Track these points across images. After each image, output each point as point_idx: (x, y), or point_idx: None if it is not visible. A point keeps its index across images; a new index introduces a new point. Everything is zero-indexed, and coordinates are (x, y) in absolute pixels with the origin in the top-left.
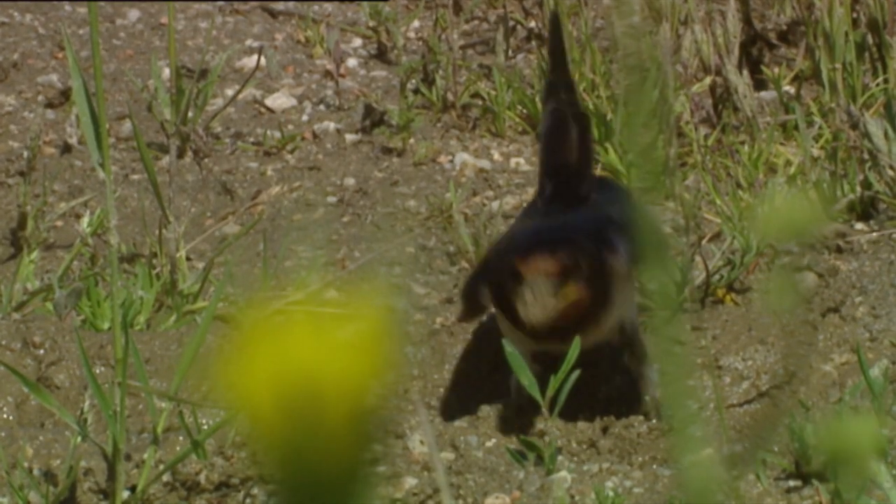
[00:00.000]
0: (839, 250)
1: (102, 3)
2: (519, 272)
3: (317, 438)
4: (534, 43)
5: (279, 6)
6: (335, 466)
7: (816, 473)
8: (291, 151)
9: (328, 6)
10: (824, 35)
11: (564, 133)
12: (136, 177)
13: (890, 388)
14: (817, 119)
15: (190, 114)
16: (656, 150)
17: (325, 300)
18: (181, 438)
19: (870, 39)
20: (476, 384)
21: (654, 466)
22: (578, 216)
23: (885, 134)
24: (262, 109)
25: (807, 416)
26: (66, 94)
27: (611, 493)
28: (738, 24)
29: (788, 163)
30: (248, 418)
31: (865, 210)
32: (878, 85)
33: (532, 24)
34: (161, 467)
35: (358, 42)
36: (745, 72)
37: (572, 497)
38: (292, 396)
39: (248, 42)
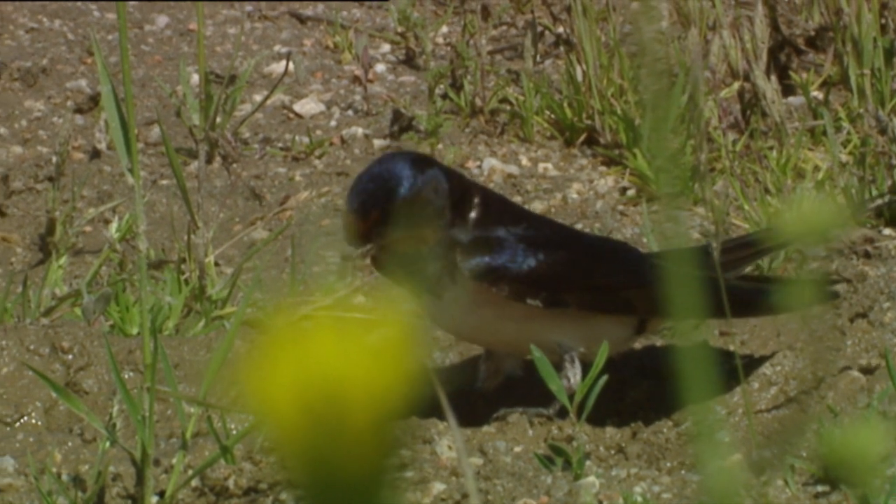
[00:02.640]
0: (867, 255)
1: (131, 9)
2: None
3: (342, 444)
4: (562, 48)
5: (308, 12)
6: (361, 472)
7: (845, 478)
8: (320, 157)
9: (357, 12)
10: (852, 40)
11: None
12: (164, 182)
13: None
14: (845, 124)
15: (218, 119)
16: (685, 155)
17: (353, 306)
18: (210, 443)
19: None
20: (504, 389)
21: (683, 472)
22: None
23: None
24: (291, 115)
25: (835, 422)
26: (95, 100)
27: (639, 499)
28: (767, 29)
29: (817, 168)
30: (274, 424)
31: (894, 215)
32: None
33: (560, 29)
34: (190, 472)
35: (386, 47)
36: (774, 77)
37: (600, 502)
38: (317, 402)
39: (277, 48)
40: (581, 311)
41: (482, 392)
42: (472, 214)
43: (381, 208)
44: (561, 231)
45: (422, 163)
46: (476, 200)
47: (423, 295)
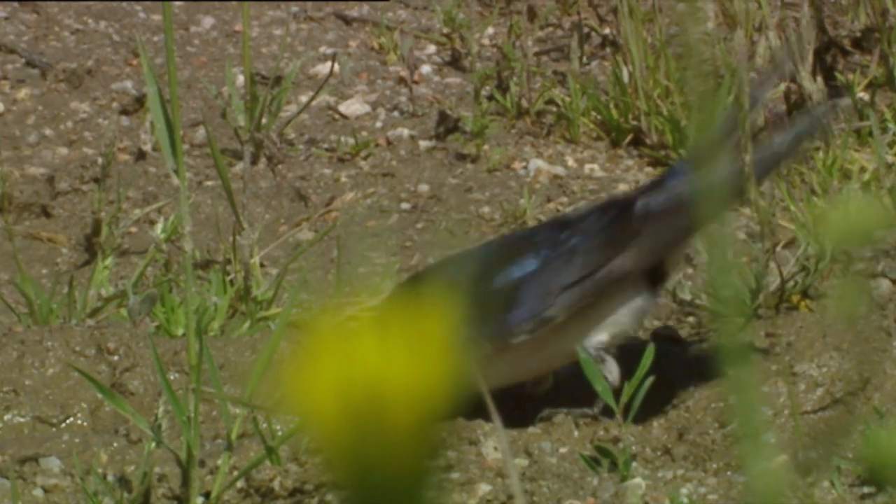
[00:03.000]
0: None
1: (177, 11)
2: None
3: (386, 445)
4: (608, 49)
5: (353, 13)
6: (405, 473)
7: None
8: (365, 158)
9: (402, 13)
10: None
11: None
12: (210, 183)
13: None
14: (891, 125)
15: (264, 120)
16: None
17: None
18: (255, 445)
19: None
20: (550, 390)
21: (729, 473)
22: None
23: None
24: (336, 116)
25: (881, 423)
26: (140, 101)
27: (685, 500)
28: (812, 30)
29: (863, 169)
30: (317, 425)
31: None
32: None
33: (606, 30)
34: (235, 473)
35: (432, 48)
36: (819, 78)
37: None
38: (360, 403)
39: (322, 49)
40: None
41: (531, 397)
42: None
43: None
44: (552, 240)
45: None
46: None
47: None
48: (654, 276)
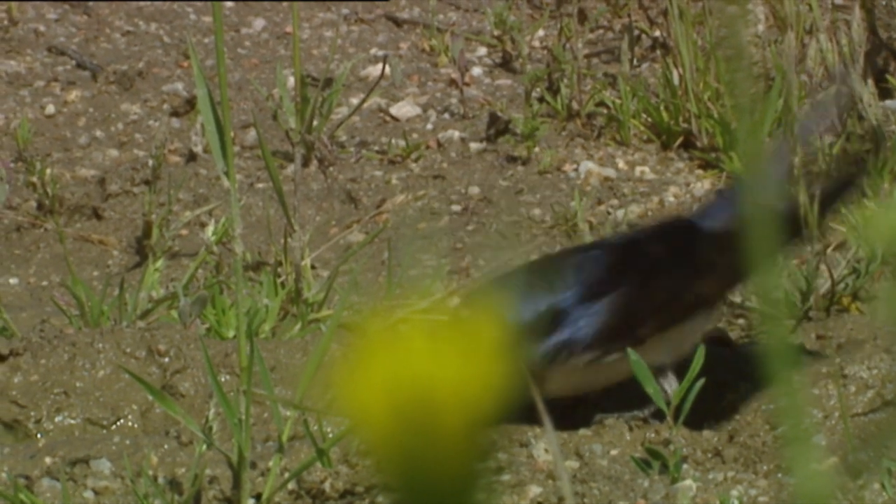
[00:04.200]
0: None
1: (227, 12)
2: None
3: (435, 447)
4: (658, 52)
5: (404, 15)
6: (455, 475)
7: None
8: (416, 160)
9: (453, 15)
10: None
11: None
12: (260, 185)
13: None
14: None
15: (315, 122)
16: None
17: (449, 309)
18: (306, 447)
19: None
20: (601, 392)
21: (780, 475)
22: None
23: None
24: (387, 118)
25: None
26: (191, 103)
27: (736, 502)
28: (864, 33)
29: None
30: (367, 427)
31: None
32: None
33: (657, 33)
34: (286, 475)
35: (483, 51)
36: (870, 81)
37: None
38: (410, 405)
39: (373, 51)
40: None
41: (583, 398)
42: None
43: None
44: (614, 264)
45: None
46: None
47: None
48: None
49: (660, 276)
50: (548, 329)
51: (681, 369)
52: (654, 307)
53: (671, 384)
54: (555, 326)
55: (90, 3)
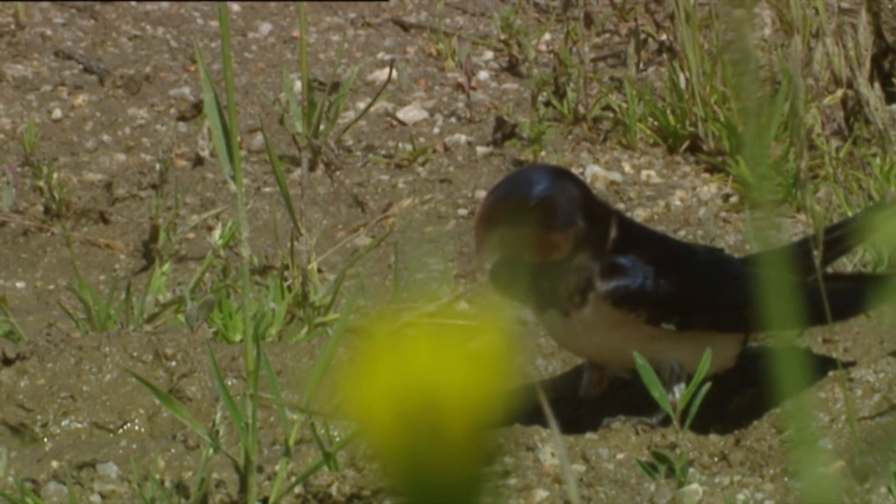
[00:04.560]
0: None
1: (234, 17)
2: None
3: (440, 451)
4: (665, 55)
5: (411, 19)
6: (461, 479)
7: None
8: (423, 164)
9: (459, 19)
10: None
11: None
12: (267, 189)
13: None
14: None
15: (321, 126)
16: (787, 162)
17: (456, 312)
18: (313, 450)
19: None
20: (607, 396)
21: (786, 479)
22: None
23: None
24: (394, 122)
25: None
26: (197, 107)
27: None
28: (870, 36)
29: None
30: (372, 431)
31: None
32: None
33: (663, 37)
34: (293, 479)
35: (489, 55)
36: (877, 84)
37: None
38: (414, 409)
39: (380, 55)
40: (705, 331)
41: (585, 400)
42: (610, 237)
43: (517, 197)
44: (687, 254)
45: (561, 174)
46: (614, 225)
47: (547, 312)
48: (746, 338)
49: (727, 279)
50: (621, 274)
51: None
52: (712, 302)
53: (681, 390)
54: (628, 274)
55: (97, 8)
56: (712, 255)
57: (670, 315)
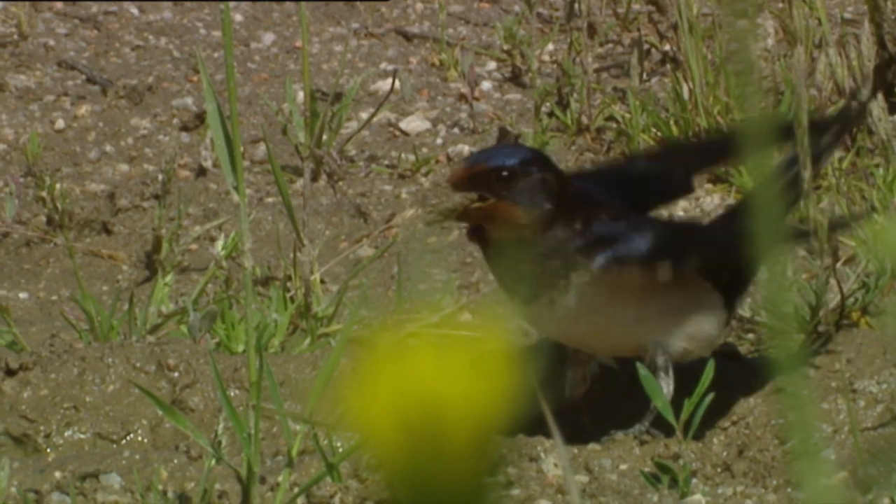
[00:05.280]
0: None
1: (237, 27)
2: None
3: (443, 461)
4: (668, 66)
5: (414, 29)
6: (464, 490)
7: None
8: (426, 174)
9: (462, 29)
10: None
11: None
12: (270, 200)
13: None
14: None
15: (324, 137)
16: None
17: (459, 323)
18: (316, 461)
19: None
20: (610, 406)
21: (789, 490)
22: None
23: None
24: (397, 132)
25: None
26: (200, 118)
27: None
28: (873, 47)
29: None
30: (376, 441)
31: None
32: None
33: (666, 47)
34: (295, 490)
35: (492, 65)
36: (880, 95)
37: None
38: (417, 419)
39: (383, 65)
40: (699, 276)
41: (572, 400)
42: (585, 221)
43: (490, 165)
44: (655, 217)
45: (538, 155)
46: (585, 206)
47: (529, 298)
48: (732, 293)
49: (707, 228)
50: (603, 246)
51: (689, 384)
52: (698, 243)
53: (669, 385)
54: (610, 244)
55: (100, 18)
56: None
57: (662, 267)
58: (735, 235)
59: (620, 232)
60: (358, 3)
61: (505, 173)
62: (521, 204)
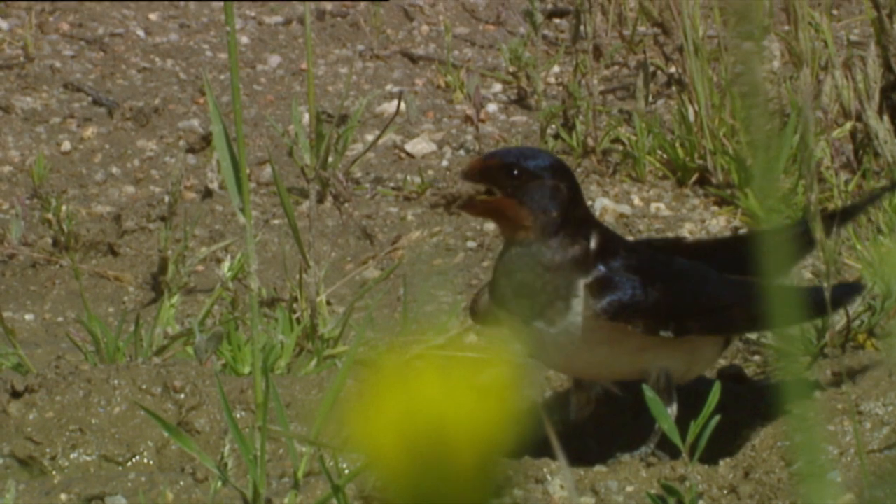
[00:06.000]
0: None
1: (243, 49)
2: None
3: (450, 483)
4: (674, 88)
5: (419, 51)
6: None
7: None
8: (431, 196)
9: (468, 51)
10: None
11: None
12: (276, 221)
13: None
14: None
15: (330, 159)
16: (796, 195)
17: (465, 345)
18: (322, 483)
19: None
20: (616, 429)
21: None
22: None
23: None
24: (402, 154)
25: None
26: (206, 139)
27: None
28: (879, 69)
29: None
30: (380, 463)
31: None
32: None
33: (672, 69)
34: None
35: (498, 87)
36: (886, 117)
37: None
38: (423, 441)
39: (388, 87)
40: (700, 335)
41: (577, 422)
42: (592, 245)
43: (505, 161)
44: (660, 257)
45: (559, 165)
46: (595, 233)
47: (532, 323)
48: (727, 341)
49: (714, 283)
50: (612, 287)
51: (695, 405)
52: (704, 305)
53: (673, 406)
54: (618, 287)
55: (106, 40)
56: (701, 266)
57: (666, 322)
58: (745, 294)
59: (629, 273)
60: (364, 25)
61: (516, 171)
62: (527, 205)
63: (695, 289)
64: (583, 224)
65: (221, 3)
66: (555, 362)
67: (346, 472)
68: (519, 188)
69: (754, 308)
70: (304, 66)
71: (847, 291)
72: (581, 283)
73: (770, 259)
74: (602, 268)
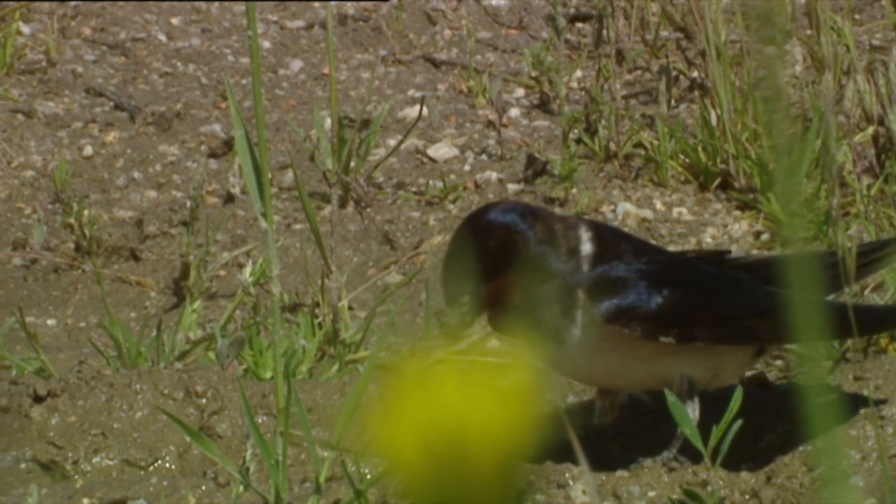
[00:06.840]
0: None
1: (265, 54)
2: None
3: (471, 488)
4: (696, 93)
5: (442, 56)
6: None
7: None
8: (454, 201)
9: (490, 56)
10: None
11: None
12: (298, 226)
13: None
14: None
15: (352, 163)
16: (818, 199)
17: (487, 350)
18: (344, 488)
19: None
20: (638, 433)
21: None
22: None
23: None
24: (425, 159)
25: None
26: (228, 144)
27: None
28: None
29: None
30: (403, 468)
31: None
32: None
33: (694, 74)
34: None
35: (520, 92)
36: None
37: None
38: (444, 446)
39: (411, 92)
40: (709, 343)
41: (601, 428)
42: (586, 251)
43: (466, 256)
44: (679, 262)
45: (507, 213)
46: (586, 236)
47: (543, 343)
48: (760, 349)
49: (728, 290)
50: (610, 291)
51: (717, 410)
52: (712, 313)
53: (695, 410)
54: (618, 290)
55: (128, 45)
56: (721, 272)
57: (668, 328)
58: (774, 306)
59: (631, 277)
60: (386, 29)
61: (487, 252)
62: (511, 271)
63: (715, 297)
64: (568, 237)
65: (243, 8)
66: (575, 375)
67: (368, 476)
68: (495, 265)
69: (780, 320)
70: (326, 70)
71: (880, 316)
72: (579, 291)
73: (799, 287)
74: (600, 271)
